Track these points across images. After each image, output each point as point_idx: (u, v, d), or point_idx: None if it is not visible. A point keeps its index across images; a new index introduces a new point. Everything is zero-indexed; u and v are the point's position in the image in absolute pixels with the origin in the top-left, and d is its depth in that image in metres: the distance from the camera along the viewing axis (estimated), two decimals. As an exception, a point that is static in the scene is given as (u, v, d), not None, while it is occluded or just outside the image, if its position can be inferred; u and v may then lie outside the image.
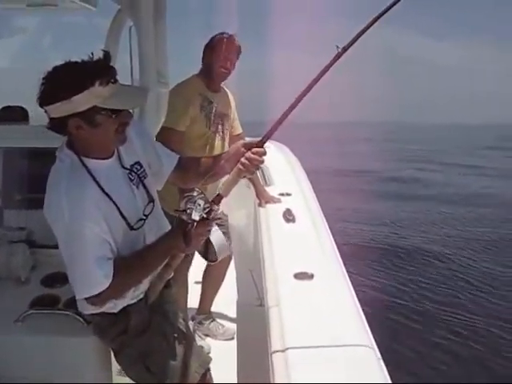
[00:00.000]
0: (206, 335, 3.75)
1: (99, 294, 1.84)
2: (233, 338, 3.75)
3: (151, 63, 2.73)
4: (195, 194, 1.92)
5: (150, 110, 2.68)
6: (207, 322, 3.81)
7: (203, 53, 3.40)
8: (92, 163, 1.88)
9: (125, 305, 2.07)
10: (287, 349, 1.90)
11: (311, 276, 2.45)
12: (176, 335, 2.18)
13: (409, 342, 6.25)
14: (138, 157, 2.08)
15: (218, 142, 3.41)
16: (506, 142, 45.59)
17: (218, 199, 1.97)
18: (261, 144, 2.00)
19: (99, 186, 1.86)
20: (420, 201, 15.94)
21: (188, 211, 1.89)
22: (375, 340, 2.09)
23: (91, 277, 1.82)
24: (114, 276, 1.84)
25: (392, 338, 6.02)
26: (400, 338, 6.29)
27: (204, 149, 3.32)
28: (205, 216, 1.91)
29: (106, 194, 1.87)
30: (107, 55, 1.80)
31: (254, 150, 1.97)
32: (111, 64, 1.81)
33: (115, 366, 2.26)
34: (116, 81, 1.80)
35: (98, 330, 2.17)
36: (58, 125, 1.82)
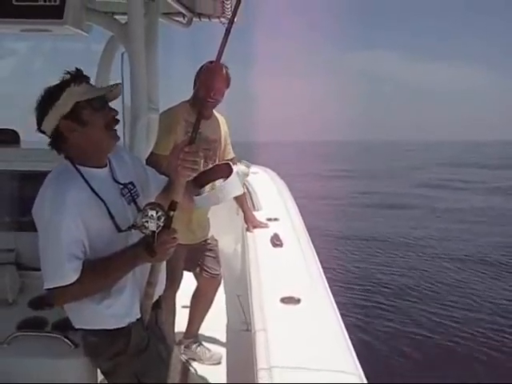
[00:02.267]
0: (193, 359, 3.74)
1: (65, 287, 1.88)
2: (219, 363, 3.73)
3: (142, 89, 2.77)
4: (146, 207, 1.96)
5: (140, 136, 2.70)
6: (194, 346, 3.80)
7: (194, 80, 3.48)
8: (86, 169, 1.99)
9: (125, 324, 2.09)
10: (273, 371, 1.92)
11: (298, 300, 2.47)
12: (171, 357, 2.21)
13: (397, 369, 6.25)
14: (131, 178, 2.16)
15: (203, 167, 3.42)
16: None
17: (172, 205, 2.02)
18: (189, 142, 2.10)
19: (90, 187, 1.96)
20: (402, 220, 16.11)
21: (145, 225, 1.93)
22: (361, 366, 2.11)
23: (61, 268, 1.88)
24: (81, 274, 1.89)
25: (379, 365, 6.02)
26: (388, 365, 6.29)
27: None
28: (162, 225, 1.94)
29: (97, 195, 1.96)
30: (79, 69, 2.00)
31: (184, 148, 2.07)
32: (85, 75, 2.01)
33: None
34: (89, 82, 2.01)
35: (92, 349, 2.17)
36: (55, 138, 1.98)
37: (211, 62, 3.37)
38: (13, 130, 3.92)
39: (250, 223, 3.80)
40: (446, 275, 10.00)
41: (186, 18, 3.75)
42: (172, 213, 2.00)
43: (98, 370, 2.25)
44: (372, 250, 12.21)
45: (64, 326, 2.39)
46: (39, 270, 2.76)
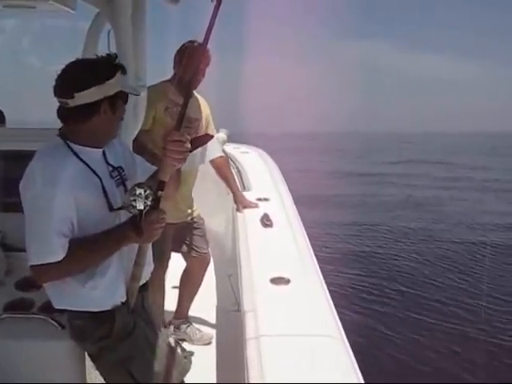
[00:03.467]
0: (183, 340, 3.73)
1: (51, 264, 1.86)
2: (210, 343, 3.74)
3: (130, 67, 2.71)
4: (135, 186, 1.95)
5: (127, 113, 2.66)
6: (184, 327, 3.80)
7: (174, 60, 3.51)
8: (79, 148, 1.99)
9: (109, 307, 2.06)
10: (263, 358, 1.91)
11: (288, 281, 2.46)
12: (158, 340, 2.17)
13: (388, 350, 6.29)
14: (120, 162, 2.15)
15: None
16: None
17: (160, 185, 1.99)
18: (176, 127, 2.06)
19: (85, 163, 1.96)
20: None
21: (132, 204, 1.91)
22: (351, 346, 2.11)
23: (49, 245, 1.86)
24: (67, 252, 1.88)
25: (371, 347, 6.07)
26: (379, 345, 6.33)
27: None
28: (149, 203, 1.93)
29: (93, 171, 1.97)
30: (115, 56, 2.05)
31: (170, 134, 2.02)
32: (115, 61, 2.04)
33: (89, 370, 2.24)
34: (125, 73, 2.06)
35: (77, 333, 2.15)
36: (85, 111, 1.95)
37: (191, 42, 3.42)
38: (-2, 110, 3.87)
39: (240, 203, 3.79)
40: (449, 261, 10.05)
41: (174, -6, 3.68)
42: (160, 192, 1.98)
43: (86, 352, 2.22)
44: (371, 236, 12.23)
45: (51, 308, 2.36)
46: (23, 251, 2.74)
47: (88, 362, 2.21)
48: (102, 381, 2.19)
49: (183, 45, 3.49)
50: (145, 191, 1.91)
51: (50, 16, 3.58)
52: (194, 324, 3.86)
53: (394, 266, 9.69)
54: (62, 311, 2.14)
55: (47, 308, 2.40)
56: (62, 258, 1.87)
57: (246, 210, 3.71)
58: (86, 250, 1.95)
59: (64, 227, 1.89)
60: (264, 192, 4.10)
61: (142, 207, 1.91)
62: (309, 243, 3.12)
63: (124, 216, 2.02)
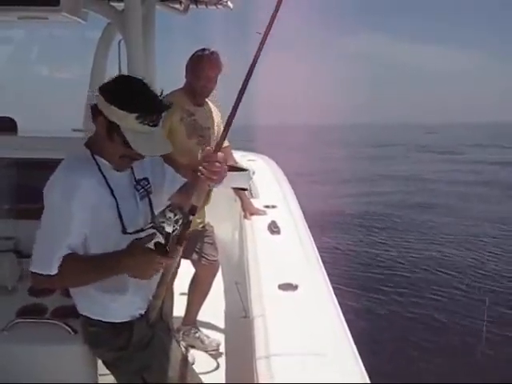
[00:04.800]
0: (192, 346, 3.75)
1: (43, 275, 1.86)
2: (218, 350, 3.75)
3: (140, 75, 2.77)
4: (166, 208, 1.95)
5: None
6: (193, 333, 3.81)
7: (185, 69, 3.47)
8: (103, 161, 1.94)
9: (127, 319, 2.07)
10: (272, 364, 1.93)
11: (296, 287, 2.48)
12: (174, 349, 2.18)
13: (392, 354, 6.26)
14: (147, 174, 2.12)
15: (199, 153, 3.44)
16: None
17: (192, 209, 1.97)
18: (215, 150, 2.01)
19: (105, 178, 1.91)
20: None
21: (162, 225, 1.92)
22: (359, 351, 2.13)
23: (48, 257, 1.85)
24: (62, 267, 1.86)
25: (375, 351, 6.03)
26: (383, 351, 6.30)
27: (185, 158, 3.35)
28: (178, 228, 1.92)
29: (109, 188, 1.92)
30: (167, 105, 1.91)
31: (206, 155, 1.98)
32: (161, 112, 1.89)
33: (100, 374, 2.28)
34: (156, 126, 1.87)
35: (92, 339, 2.15)
36: (93, 112, 1.90)
37: (203, 50, 3.39)
38: (10, 118, 3.92)
39: (248, 210, 3.81)
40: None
41: (183, 5, 3.74)
42: (191, 217, 1.96)
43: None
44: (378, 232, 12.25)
45: (63, 313, 2.41)
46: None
47: (100, 365, 2.24)
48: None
49: (195, 53, 3.45)
50: (175, 215, 1.91)
51: (61, 26, 3.64)
52: (202, 330, 3.88)
53: (410, 266, 9.67)
54: (76, 317, 2.15)
55: (60, 313, 2.45)
56: (54, 272, 1.85)
57: (254, 217, 3.72)
58: (79, 269, 1.92)
59: (73, 241, 1.87)
60: (271, 199, 4.12)
61: (170, 230, 1.90)
62: (316, 249, 3.14)
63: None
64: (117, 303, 2.04)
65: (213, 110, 3.67)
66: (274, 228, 3.42)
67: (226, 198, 4.56)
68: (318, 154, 32.65)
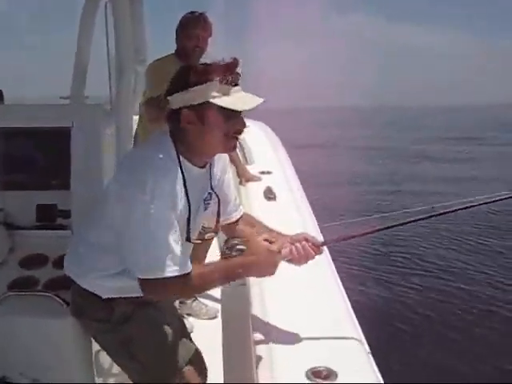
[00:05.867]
0: (189, 314, 3.74)
1: (181, 276, 1.78)
2: (216, 317, 3.74)
3: (128, 40, 2.68)
4: (235, 241, 1.98)
5: (126, 88, 2.63)
6: (190, 302, 3.80)
7: (176, 33, 3.46)
8: (188, 166, 1.87)
9: (114, 296, 2.01)
10: (269, 332, 1.91)
11: None
12: (166, 324, 2.11)
13: (396, 333, 6.20)
14: (217, 189, 2.07)
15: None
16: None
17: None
18: (320, 245, 2.03)
19: (185, 188, 1.84)
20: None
21: (226, 251, 1.96)
22: (356, 315, 2.11)
23: (174, 257, 1.76)
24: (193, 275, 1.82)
25: (373, 319, 6.00)
26: (387, 328, 6.25)
27: None
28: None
29: (188, 199, 1.85)
30: (236, 61, 1.81)
31: (313, 243, 2.00)
32: (237, 70, 1.81)
33: (95, 346, 2.25)
34: (237, 85, 1.81)
35: (76, 309, 2.12)
36: (173, 117, 1.83)
37: (191, 13, 3.40)
38: (-4, 87, 3.84)
39: (243, 177, 3.77)
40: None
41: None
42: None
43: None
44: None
45: (55, 285, 2.37)
46: (29, 228, 2.72)
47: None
48: (110, 361, 2.20)
49: (184, 15, 3.46)
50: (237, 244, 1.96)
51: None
52: (199, 299, 3.86)
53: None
54: (68, 288, 2.11)
55: (52, 285, 2.41)
56: (190, 268, 1.81)
57: (249, 184, 3.69)
58: (210, 278, 1.90)
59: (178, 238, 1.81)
60: (267, 165, 4.08)
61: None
62: (312, 215, 3.11)
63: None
64: (107, 283, 1.98)
65: None
66: (269, 194, 3.39)
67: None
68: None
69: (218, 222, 2.07)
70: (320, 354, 1.78)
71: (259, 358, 1.85)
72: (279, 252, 1.92)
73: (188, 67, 1.87)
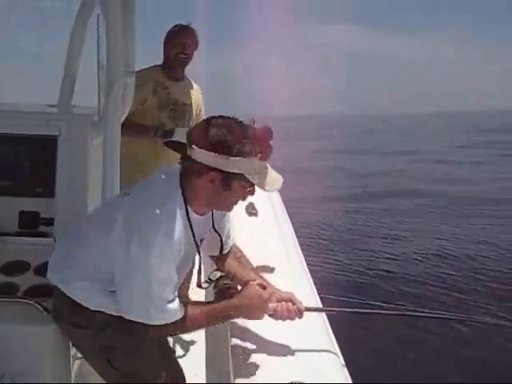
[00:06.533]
0: None
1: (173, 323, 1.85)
2: None
3: (118, 52, 2.70)
4: (225, 281, 2.09)
5: (115, 99, 2.65)
6: None
7: (163, 47, 3.57)
8: (194, 215, 1.90)
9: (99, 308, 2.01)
10: (247, 345, 1.94)
11: (272, 269, 2.48)
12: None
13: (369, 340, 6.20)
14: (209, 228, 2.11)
15: (169, 124, 3.49)
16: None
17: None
18: (303, 310, 2.09)
19: (194, 237, 1.89)
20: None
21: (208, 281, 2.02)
22: (332, 329, 2.16)
23: (172, 312, 1.83)
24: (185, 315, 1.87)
25: (350, 330, 5.99)
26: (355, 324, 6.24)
27: (155, 129, 3.43)
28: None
29: (197, 246, 1.92)
30: (271, 132, 1.83)
31: (297, 308, 2.06)
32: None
33: (74, 353, 2.25)
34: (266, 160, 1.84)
35: (58, 313, 2.12)
36: (193, 166, 1.83)
37: (175, 26, 3.51)
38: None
39: None
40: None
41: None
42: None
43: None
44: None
45: (36, 293, 2.37)
46: (11, 235, 2.72)
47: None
48: (90, 368, 2.20)
49: (170, 29, 3.56)
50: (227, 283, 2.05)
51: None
52: None
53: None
54: (49, 295, 2.12)
55: (32, 293, 2.40)
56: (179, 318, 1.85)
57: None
58: (199, 318, 1.93)
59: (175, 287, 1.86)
60: None
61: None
62: (293, 232, 3.15)
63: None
64: (89, 293, 2.00)
65: (193, 87, 3.72)
66: (251, 209, 3.41)
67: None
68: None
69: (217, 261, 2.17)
70: (296, 370, 1.81)
71: (237, 369, 1.88)
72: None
73: (233, 125, 1.82)
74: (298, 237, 3.27)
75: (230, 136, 1.78)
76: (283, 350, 2.00)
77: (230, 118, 1.86)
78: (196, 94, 3.73)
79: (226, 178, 1.81)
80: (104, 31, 2.73)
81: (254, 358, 1.95)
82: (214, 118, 1.87)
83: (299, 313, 2.07)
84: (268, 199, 3.71)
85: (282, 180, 1.89)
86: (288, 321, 2.04)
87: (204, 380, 2.85)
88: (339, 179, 19.10)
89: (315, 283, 2.62)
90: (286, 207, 3.74)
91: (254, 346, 2.02)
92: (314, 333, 2.13)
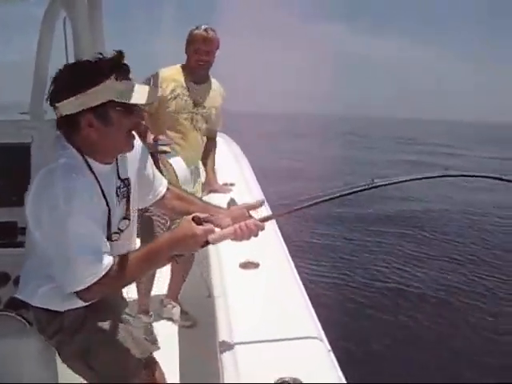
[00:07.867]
0: (170, 319, 3.87)
1: (96, 282, 1.76)
2: (195, 325, 3.79)
3: (87, 54, 2.66)
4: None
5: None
6: (170, 307, 3.90)
7: (185, 47, 3.59)
8: (96, 165, 1.86)
9: (66, 308, 1.99)
10: (235, 344, 1.91)
11: (257, 265, 2.47)
12: (118, 329, 2.11)
13: (357, 333, 6.19)
14: (131, 172, 2.06)
15: (188, 127, 3.60)
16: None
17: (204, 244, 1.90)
18: (263, 220, 2.01)
19: (101, 189, 1.84)
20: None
21: None
22: (323, 327, 2.13)
23: (98, 263, 1.76)
24: (117, 267, 1.79)
25: (341, 327, 5.99)
26: (347, 327, 6.23)
27: (173, 129, 3.55)
28: None
29: (105, 198, 1.85)
30: (121, 53, 1.79)
31: (256, 222, 1.97)
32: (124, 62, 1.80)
33: (60, 365, 2.22)
34: (130, 78, 1.80)
35: (38, 325, 2.10)
36: (69, 123, 1.80)
37: (197, 28, 3.52)
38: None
39: (209, 186, 3.82)
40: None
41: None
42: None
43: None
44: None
45: (16, 305, 2.32)
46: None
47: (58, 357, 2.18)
48: (75, 378, 2.17)
49: (190, 31, 3.56)
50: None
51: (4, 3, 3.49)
52: (182, 307, 3.93)
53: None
54: (30, 308, 2.08)
55: (13, 305, 2.36)
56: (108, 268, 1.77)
57: (213, 195, 3.70)
58: (135, 264, 1.84)
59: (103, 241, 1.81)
60: (230, 176, 4.11)
61: None
62: (276, 226, 3.13)
63: (121, 248, 1.93)
64: (57, 297, 1.94)
65: (215, 90, 3.76)
66: (232, 205, 3.39)
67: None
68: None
69: (128, 207, 2.04)
70: (284, 362, 1.79)
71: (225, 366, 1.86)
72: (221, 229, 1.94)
73: (72, 68, 1.83)
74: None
75: (74, 74, 1.78)
76: (268, 340, 1.96)
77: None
78: (216, 97, 3.76)
79: (99, 114, 1.76)
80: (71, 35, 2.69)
81: (241, 350, 1.91)
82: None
83: (257, 227, 1.97)
84: (249, 194, 3.69)
85: (152, 89, 1.87)
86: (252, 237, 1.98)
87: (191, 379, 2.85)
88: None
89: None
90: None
91: (241, 339, 1.98)
92: (298, 319, 2.09)
